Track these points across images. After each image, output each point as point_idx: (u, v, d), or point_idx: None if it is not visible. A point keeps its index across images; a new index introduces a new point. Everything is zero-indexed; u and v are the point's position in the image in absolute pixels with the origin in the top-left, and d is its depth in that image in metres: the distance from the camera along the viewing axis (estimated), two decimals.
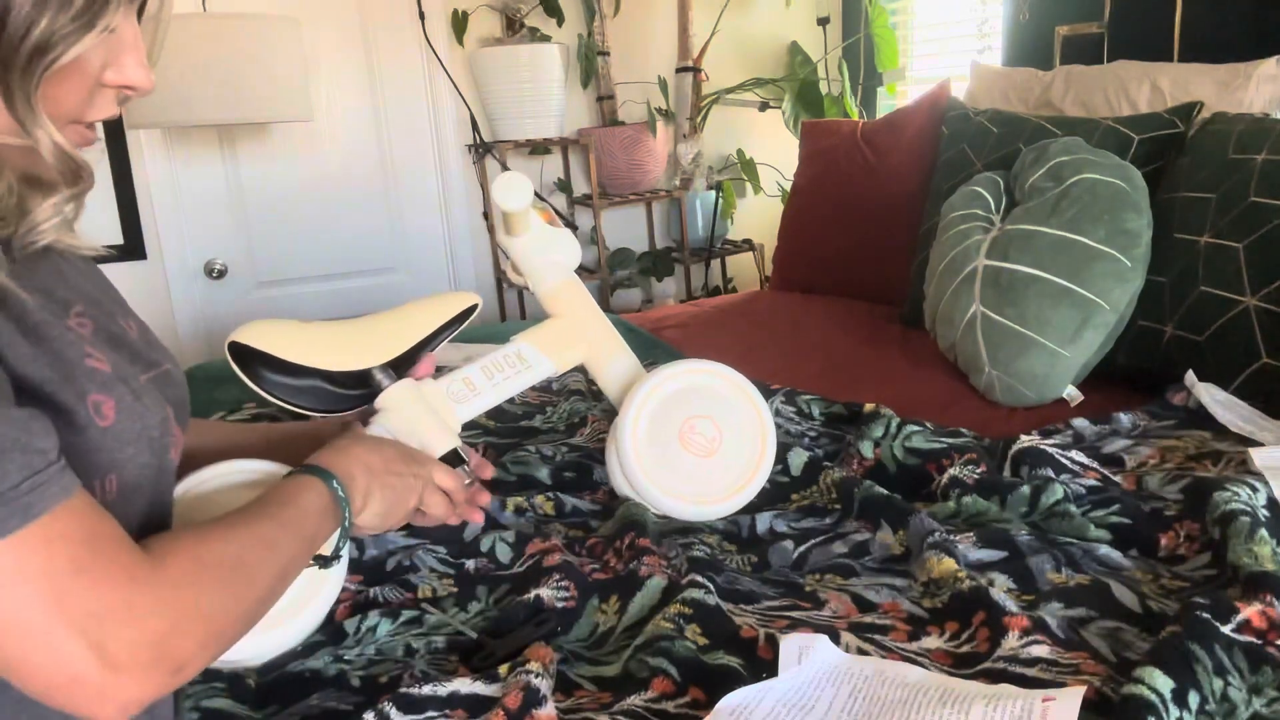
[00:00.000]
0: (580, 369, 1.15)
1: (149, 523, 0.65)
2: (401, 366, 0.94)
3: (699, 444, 1.04)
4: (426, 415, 0.93)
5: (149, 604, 0.52)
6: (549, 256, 1.07)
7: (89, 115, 0.59)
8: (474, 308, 0.98)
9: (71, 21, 0.52)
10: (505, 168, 2.74)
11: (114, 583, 0.51)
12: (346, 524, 0.72)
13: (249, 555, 0.60)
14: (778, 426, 1.20)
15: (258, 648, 0.76)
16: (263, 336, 0.87)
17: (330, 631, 0.86)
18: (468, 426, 1.36)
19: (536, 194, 2.75)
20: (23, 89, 0.53)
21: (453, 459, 0.93)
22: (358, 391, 0.93)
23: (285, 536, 0.64)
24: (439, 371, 1.03)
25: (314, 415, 0.93)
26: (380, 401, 0.92)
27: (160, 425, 0.63)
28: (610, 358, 1.10)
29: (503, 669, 0.74)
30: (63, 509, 0.50)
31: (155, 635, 0.52)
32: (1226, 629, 0.72)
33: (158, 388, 0.66)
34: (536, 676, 0.71)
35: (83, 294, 0.64)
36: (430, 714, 0.70)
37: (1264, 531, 0.85)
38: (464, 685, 0.73)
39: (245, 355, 0.87)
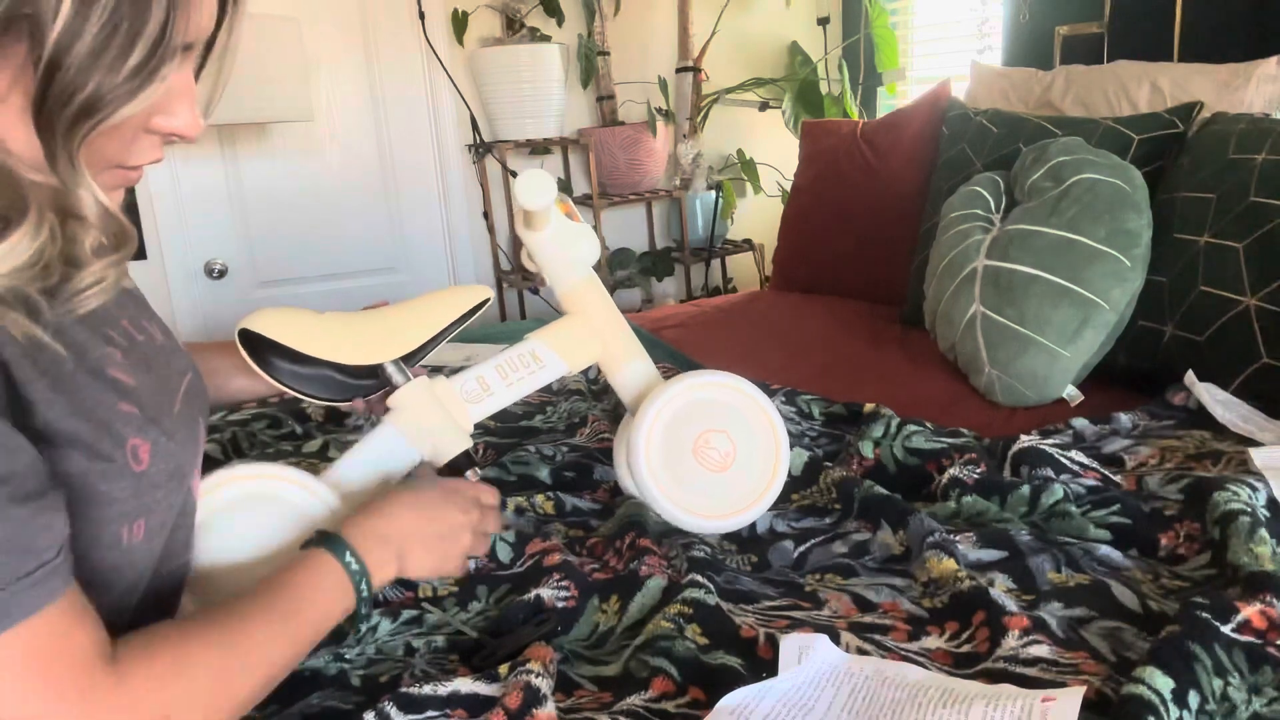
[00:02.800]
0: (583, 370, 1.13)
1: (170, 551, 0.65)
2: (412, 360, 0.94)
3: (713, 459, 1.02)
4: (439, 415, 0.93)
5: (137, 688, 0.52)
6: (569, 253, 1.04)
7: (131, 160, 0.56)
8: (486, 301, 0.97)
9: (124, 83, 0.49)
10: (505, 167, 2.74)
11: (69, 699, 0.50)
12: (360, 608, 0.70)
13: (233, 658, 0.58)
14: None
15: None
16: (275, 326, 0.86)
17: (330, 632, 0.85)
18: None
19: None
20: (65, 149, 0.50)
21: (464, 460, 0.93)
22: (367, 382, 0.93)
23: (283, 633, 0.62)
24: (442, 371, 1.02)
25: (323, 403, 0.93)
26: (393, 401, 0.91)
27: (190, 459, 0.63)
28: (626, 360, 1.06)
29: (503, 669, 0.74)
30: (39, 618, 0.49)
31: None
32: (1226, 629, 0.72)
33: (187, 405, 0.66)
34: (536, 676, 0.71)
35: (113, 304, 0.63)
36: (430, 714, 0.70)
37: (1264, 531, 0.85)
38: (464, 685, 0.73)
39: (255, 342, 0.87)
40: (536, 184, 0.96)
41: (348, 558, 0.69)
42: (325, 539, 0.70)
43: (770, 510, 1.07)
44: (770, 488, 1.03)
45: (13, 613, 0.48)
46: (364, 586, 0.70)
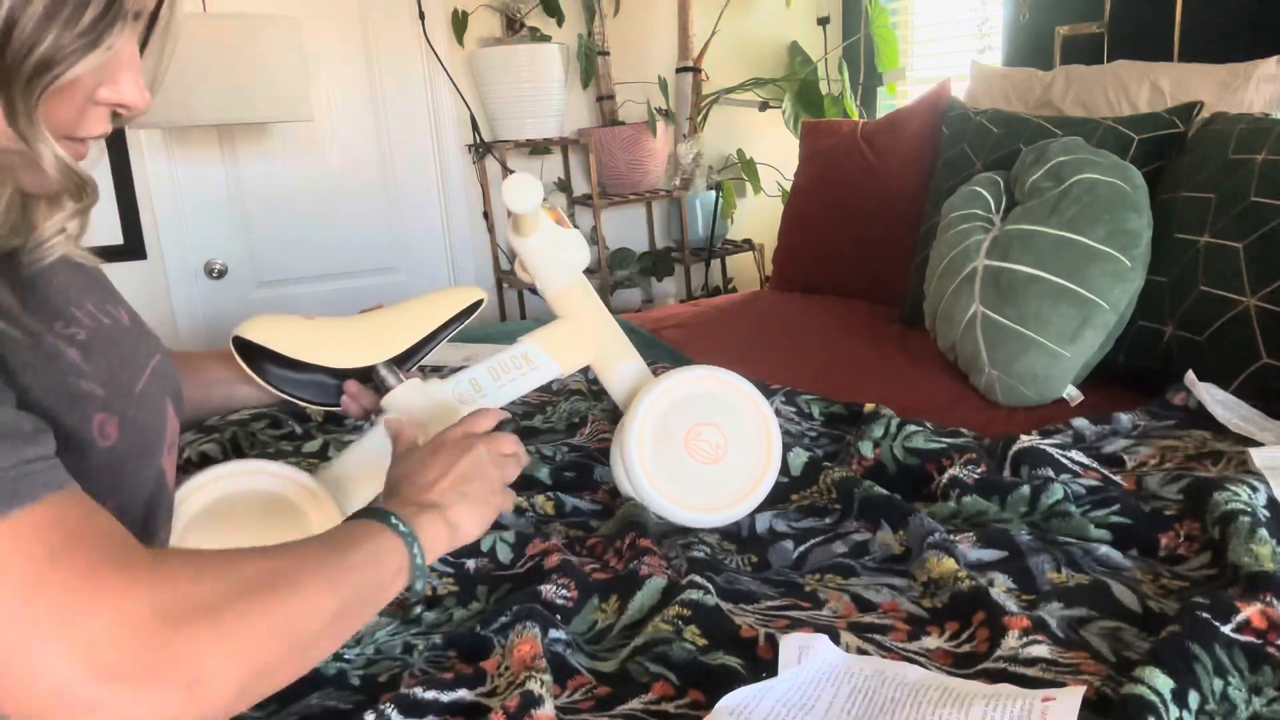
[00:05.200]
0: (583, 370, 1.15)
1: (145, 542, 0.64)
2: (406, 362, 0.94)
3: (704, 451, 1.03)
4: (433, 417, 0.93)
5: (144, 600, 0.45)
6: (558, 257, 1.06)
7: (81, 131, 0.58)
8: (479, 303, 0.98)
9: (77, 39, 0.52)
10: (505, 167, 2.74)
11: (101, 577, 0.44)
12: (415, 577, 0.64)
13: (286, 567, 0.52)
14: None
15: None
16: (267, 333, 0.87)
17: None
18: None
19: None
20: (25, 104, 0.52)
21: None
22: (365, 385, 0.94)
23: (338, 579, 0.56)
24: (440, 370, 1.03)
25: (318, 408, 0.94)
26: (386, 402, 0.92)
27: (156, 435, 0.63)
28: (617, 361, 1.09)
29: (500, 674, 0.74)
30: (51, 499, 0.46)
31: (157, 638, 0.44)
32: (1226, 629, 0.72)
33: (153, 385, 0.66)
34: (533, 677, 0.71)
35: (73, 290, 0.64)
36: (430, 718, 0.70)
37: (1264, 531, 0.85)
38: (465, 694, 0.73)
39: (249, 349, 0.88)
40: (523, 187, 0.98)
41: (393, 520, 0.63)
42: (365, 511, 0.66)
43: (770, 510, 1.07)
44: (763, 479, 1.04)
45: (21, 491, 0.45)
46: (416, 551, 0.63)
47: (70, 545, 0.45)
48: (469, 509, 0.71)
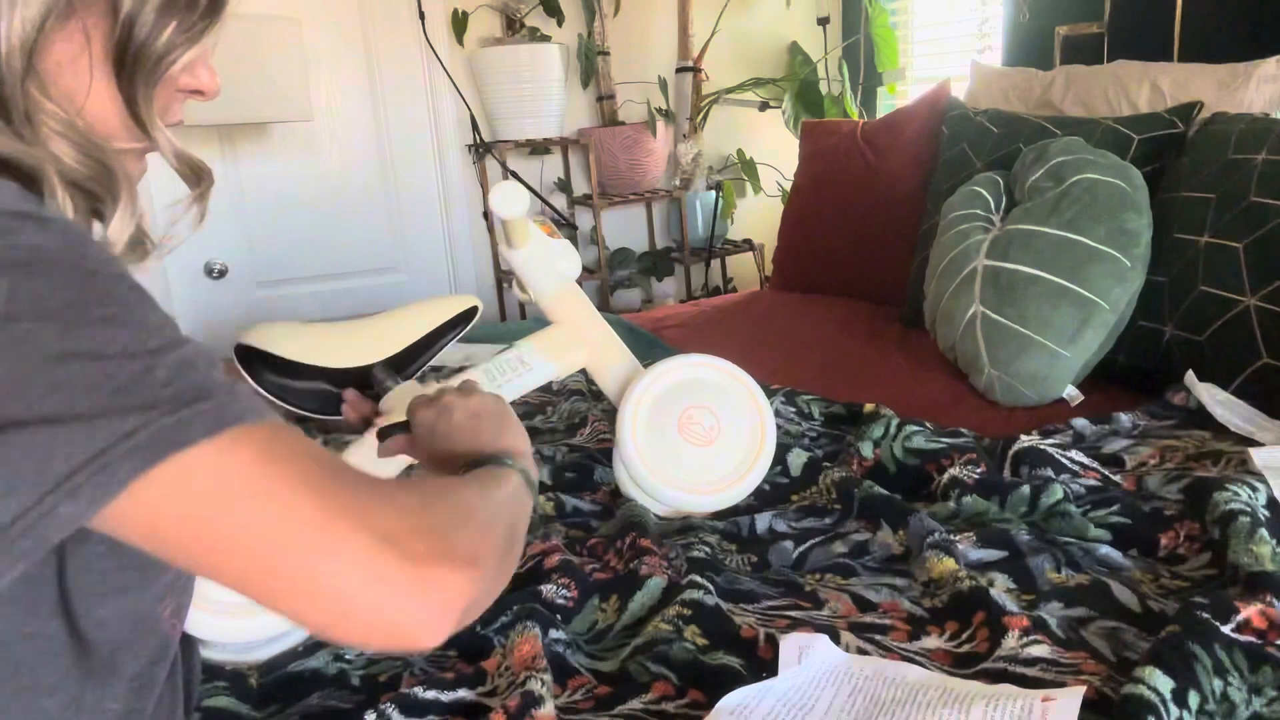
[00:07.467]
0: (583, 372, 1.17)
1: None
2: (401, 364, 0.95)
3: (697, 433, 1.06)
4: None
5: (407, 500, 0.47)
6: (549, 267, 1.10)
7: (169, 119, 0.60)
8: (474, 310, 0.99)
9: (190, 28, 0.55)
10: (505, 167, 2.74)
11: (362, 483, 0.45)
12: (532, 480, 0.65)
13: (476, 492, 0.54)
14: (778, 427, 1.20)
15: (242, 633, 0.77)
16: (264, 337, 0.89)
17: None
18: None
19: (540, 197, 2.75)
20: (145, 95, 0.54)
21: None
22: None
23: (502, 497, 0.58)
24: (440, 371, 1.03)
25: (315, 418, 0.94)
26: (384, 404, 0.92)
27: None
28: (611, 361, 1.12)
29: (500, 674, 0.74)
30: (274, 423, 0.45)
31: (432, 525, 0.45)
32: (1226, 629, 0.72)
33: None
34: (533, 678, 0.71)
35: None
36: (431, 718, 0.70)
37: (1264, 531, 0.85)
38: (465, 694, 0.73)
39: (249, 357, 0.89)
40: (510, 195, 1.01)
41: (507, 461, 0.63)
42: (484, 459, 0.64)
43: (770, 510, 1.07)
44: (759, 459, 1.06)
45: (262, 411, 0.43)
46: (527, 469, 0.64)
47: (323, 463, 0.45)
48: (516, 435, 0.70)
